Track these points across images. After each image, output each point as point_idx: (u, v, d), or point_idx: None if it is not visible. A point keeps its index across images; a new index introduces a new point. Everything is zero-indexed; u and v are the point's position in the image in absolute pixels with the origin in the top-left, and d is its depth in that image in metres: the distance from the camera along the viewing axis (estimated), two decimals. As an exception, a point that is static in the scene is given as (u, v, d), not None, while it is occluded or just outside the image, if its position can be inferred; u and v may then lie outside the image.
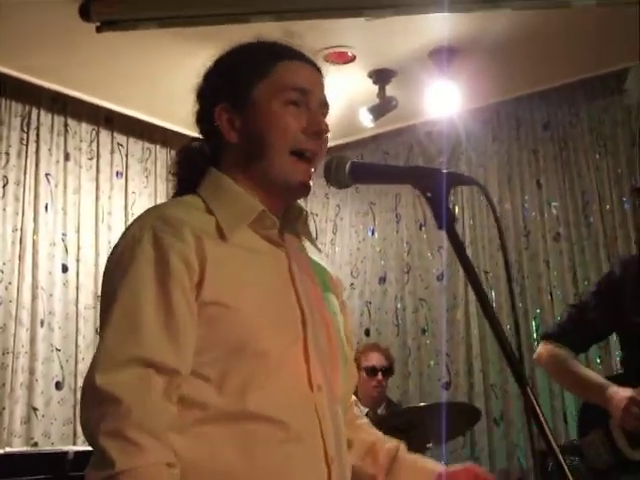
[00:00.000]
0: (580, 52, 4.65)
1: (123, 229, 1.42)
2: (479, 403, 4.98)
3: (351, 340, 1.62)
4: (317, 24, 4.08)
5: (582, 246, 4.96)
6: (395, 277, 5.72)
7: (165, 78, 4.67)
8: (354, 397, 1.72)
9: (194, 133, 1.57)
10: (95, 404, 1.24)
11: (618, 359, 4.42)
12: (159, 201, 5.37)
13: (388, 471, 1.58)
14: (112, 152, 5.33)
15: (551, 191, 5.16)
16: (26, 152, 4.84)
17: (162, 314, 1.28)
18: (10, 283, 4.60)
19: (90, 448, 1.23)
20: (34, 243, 4.76)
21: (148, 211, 1.44)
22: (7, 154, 4.75)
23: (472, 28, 4.34)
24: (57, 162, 5.00)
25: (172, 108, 4.64)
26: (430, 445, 3.94)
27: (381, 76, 4.89)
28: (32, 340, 4.61)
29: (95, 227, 5.09)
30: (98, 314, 1.41)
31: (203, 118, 1.52)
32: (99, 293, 1.40)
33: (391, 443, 1.62)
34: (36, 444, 4.46)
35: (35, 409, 4.54)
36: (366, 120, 4.98)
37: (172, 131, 5.47)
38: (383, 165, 1.79)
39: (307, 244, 1.58)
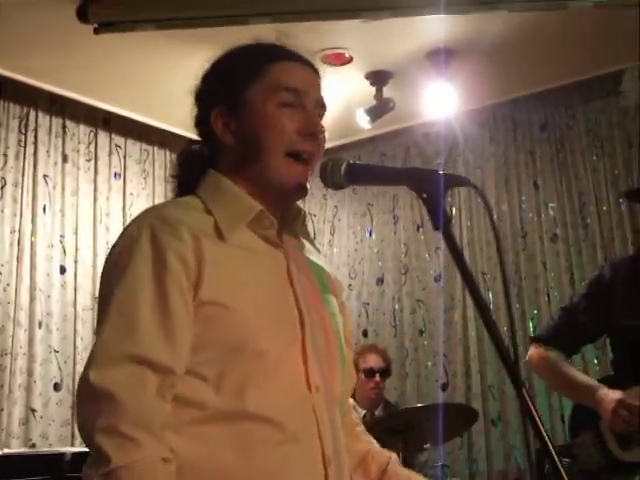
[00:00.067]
0: (577, 54, 4.66)
1: (121, 230, 1.42)
2: (476, 404, 4.98)
3: (350, 341, 1.62)
4: (314, 26, 4.08)
5: (579, 247, 4.97)
6: (393, 278, 5.73)
7: (163, 80, 4.67)
8: (352, 400, 1.73)
9: (192, 134, 1.58)
10: (90, 401, 1.24)
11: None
12: (157, 202, 5.36)
13: None
14: (110, 154, 5.33)
15: (548, 192, 5.17)
16: (24, 154, 4.85)
17: (158, 313, 1.29)
18: (8, 284, 4.60)
19: (87, 450, 1.23)
20: (32, 244, 4.76)
21: (146, 211, 1.45)
22: (5, 156, 4.76)
23: (469, 30, 4.35)
24: (55, 164, 5.00)
25: (170, 109, 4.65)
26: (427, 446, 3.95)
27: (378, 77, 4.89)
28: (30, 341, 4.62)
29: (93, 228, 5.10)
30: (96, 315, 1.41)
31: (201, 121, 1.53)
32: (97, 294, 1.41)
33: (384, 455, 1.63)
34: (34, 445, 4.46)
35: (33, 410, 4.54)
36: (363, 121, 4.99)
37: (170, 132, 5.48)
38: (379, 166, 1.79)
39: (306, 244, 1.59)
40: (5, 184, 4.73)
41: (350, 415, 1.64)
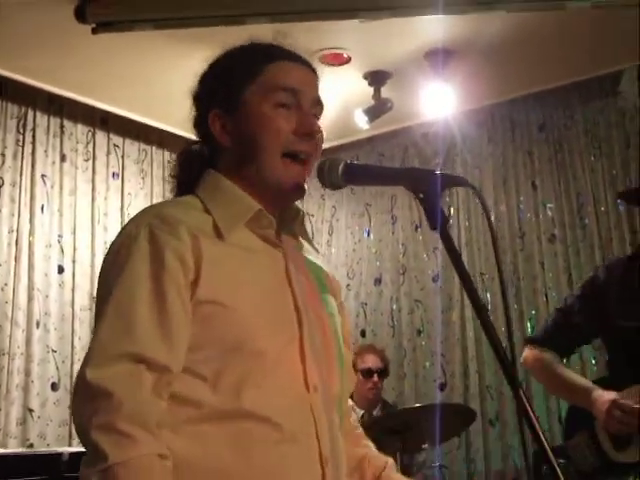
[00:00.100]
0: (575, 54, 4.66)
1: (120, 229, 1.42)
2: (474, 404, 4.98)
3: (349, 341, 1.63)
4: (313, 26, 4.08)
5: (577, 248, 4.98)
6: (391, 278, 5.73)
7: (161, 79, 4.67)
8: (350, 401, 1.72)
9: (191, 134, 1.58)
10: (86, 398, 1.24)
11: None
12: (155, 202, 5.37)
13: None
14: (108, 153, 5.33)
15: (546, 193, 5.17)
16: (22, 153, 4.85)
17: (156, 311, 1.29)
18: (6, 284, 4.60)
19: (85, 449, 1.24)
20: (30, 244, 4.76)
21: (145, 210, 1.45)
22: (3, 155, 4.76)
23: (467, 30, 4.36)
24: (53, 163, 5.00)
25: (168, 109, 4.65)
26: (425, 446, 3.96)
27: (376, 78, 4.89)
28: (28, 341, 4.61)
29: (91, 228, 5.10)
30: (94, 315, 1.41)
31: (199, 122, 1.53)
32: (95, 294, 1.41)
33: (380, 460, 1.63)
34: (32, 445, 4.46)
35: (31, 410, 4.54)
36: (361, 122, 4.99)
37: (168, 132, 5.48)
38: (376, 166, 1.79)
39: (305, 244, 1.59)
40: (3, 184, 4.73)
41: (349, 418, 1.65)
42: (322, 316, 1.48)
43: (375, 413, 4.44)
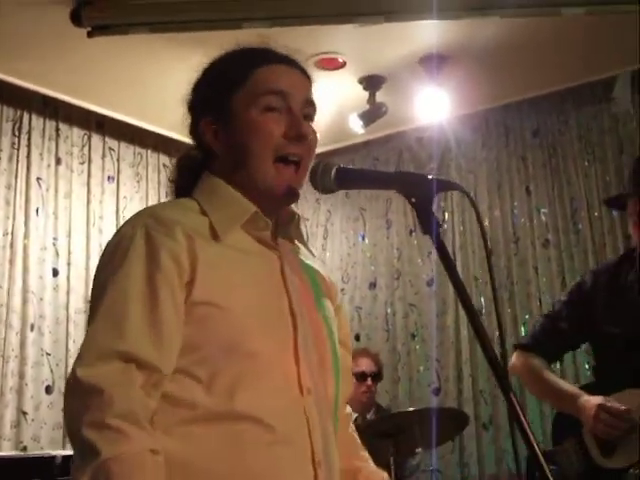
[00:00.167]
0: (569, 60, 4.68)
1: (116, 230, 1.43)
2: (468, 408, 4.99)
3: (348, 344, 1.64)
4: (308, 30, 4.09)
5: (571, 252, 4.99)
6: (385, 282, 5.74)
7: (157, 83, 4.67)
8: (349, 408, 1.72)
9: (186, 138, 1.59)
10: (77, 396, 1.25)
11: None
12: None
13: None
14: (103, 157, 5.33)
15: (540, 198, 5.19)
16: (17, 156, 4.84)
17: (148, 312, 1.30)
18: (0, 287, 4.59)
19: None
20: (25, 247, 4.75)
21: (141, 211, 1.46)
22: (-2, 158, 4.76)
23: (461, 35, 4.37)
24: (48, 166, 4.99)
25: (164, 113, 4.66)
26: (419, 450, 3.95)
27: (371, 82, 4.90)
28: (22, 344, 4.60)
29: (86, 231, 5.09)
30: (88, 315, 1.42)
31: (193, 130, 1.54)
32: (90, 296, 1.42)
33: (377, 475, 1.63)
34: (25, 448, 4.45)
35: (25, 413, 4.53)
36: (356, 126, 5.00)
37: (164, 136, 5.47)
38: (369, 170, 1.79)
39: (301, 248, 1.59)
40: (-2, 186, 4.73)
41: (348, 428, 1.65)
42: (317, 319, 1.48)
43: (369, 417, 4.45)
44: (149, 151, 5.59)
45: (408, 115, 5.17)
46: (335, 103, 4.93)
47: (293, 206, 1.54)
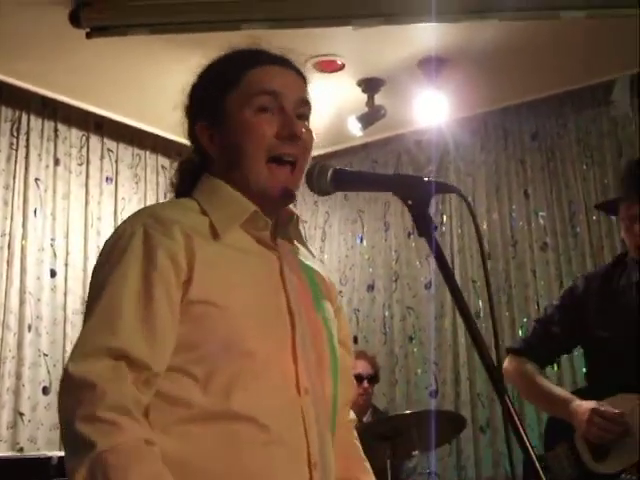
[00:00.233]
0: (568, 63, 4.68)
1: (115, 228, 1.44)
2: (465, 411, 4.99)
3: (348, 345, 1.63)
4: (306, 32, 4.10)
5: (569, 256, 4.99)
6: (383, 285, 5.74)
7: (155, 84, 4.67)
8: (353, 414, 1.71)
9: (184, 140, 1.59)
10: (69, 391, 1.25)
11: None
12: (148, 207, 5.36)
13: None
14: (102, 158, 5.33)
15: (538, 201, 5.19)
16: (16, 157, 4.84)
17: (142, 310, 1.30)
18: (-2, 287, 4.60)
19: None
20: (22, 248, 4.75)
21: (140, 210, 1.47)
22: (-4, 159, 4.76)
23: (460, 38, 4.37)
24: (47, 167, 4.99)
25: (162, 114, 4.63)
26: (416, 453, 3.95)
27: (370, 85, 4.90)
28: (19, 345, 4.60)
29: (84, 232, 5.09)
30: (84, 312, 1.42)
31: (190, 134, 1.55)
32: (87, 297, 1.42)
33: None
34: (22, 449, 4.44)
35: (21, 414, 4.52)
36: (355, 129, 5.00)
37: (162, 137, 5.47)
38: (365, 172, 1.79)
39: (300, 248, 1.59)
40: (-4, 187, 4.72)
41: (351, 435, 1.65)
42: (315, 319, 1.48)
43: (365, 419, 4.44)
44: (148, 152, 5.59)
45: (407, 118, 5.17)
46: (334, 105, 4.93)
47: (291, 207, 1.54)
